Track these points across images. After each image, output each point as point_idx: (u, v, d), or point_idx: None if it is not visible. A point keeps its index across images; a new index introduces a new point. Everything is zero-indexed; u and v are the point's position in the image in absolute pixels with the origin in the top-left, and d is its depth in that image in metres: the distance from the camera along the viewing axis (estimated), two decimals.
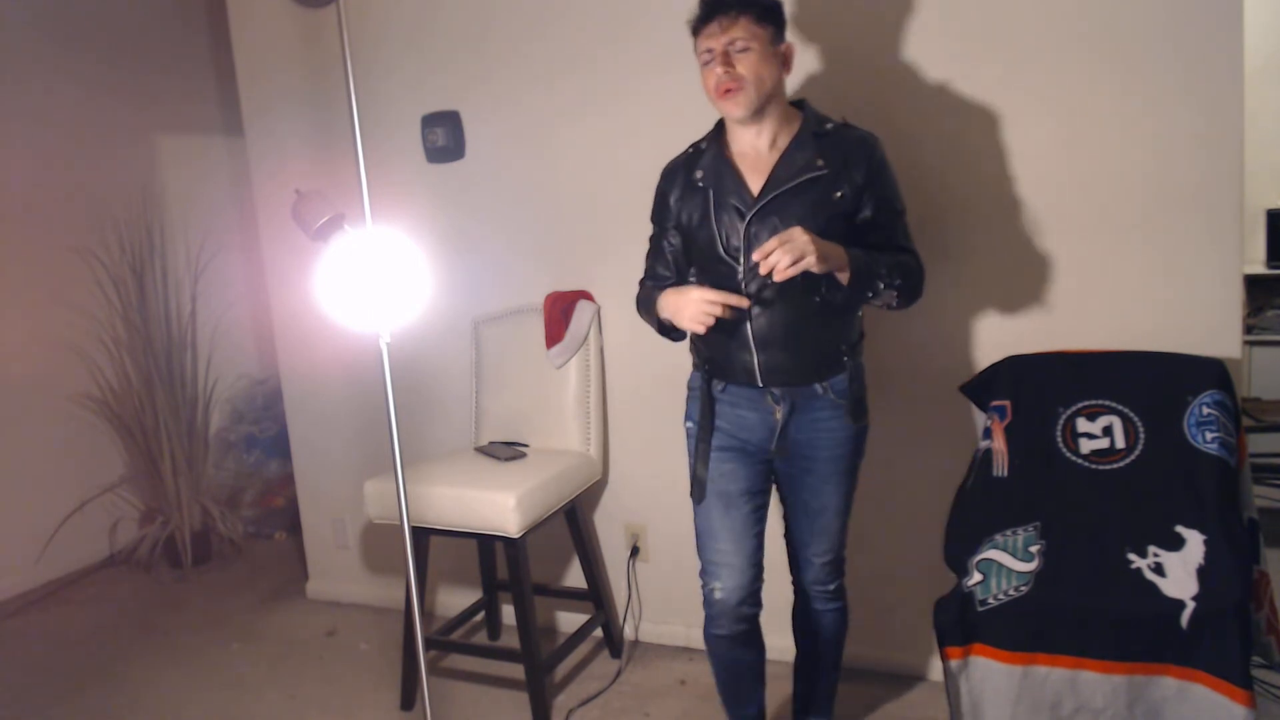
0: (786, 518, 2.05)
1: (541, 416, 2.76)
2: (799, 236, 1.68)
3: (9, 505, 3.58)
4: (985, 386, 2.16)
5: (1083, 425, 2.02)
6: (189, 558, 3.74)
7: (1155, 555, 1.80)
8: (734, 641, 2.00)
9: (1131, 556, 1.81)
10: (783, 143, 1.86)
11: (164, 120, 4.13)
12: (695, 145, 1.96)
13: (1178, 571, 1.76)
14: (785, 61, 1.84)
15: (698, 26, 1.82)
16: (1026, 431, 2.05)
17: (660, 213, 1.99)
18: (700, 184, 1.89)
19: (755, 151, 1.87)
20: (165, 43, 4.13)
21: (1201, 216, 2.10)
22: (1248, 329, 3.60)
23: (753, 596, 1.97)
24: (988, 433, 2.09)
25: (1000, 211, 2.29)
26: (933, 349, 2.41)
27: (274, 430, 4.10)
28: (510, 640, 2.84)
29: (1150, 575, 1.78)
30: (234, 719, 2.65)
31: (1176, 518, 1.84)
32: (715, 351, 1.91)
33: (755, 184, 1.84)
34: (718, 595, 1.96)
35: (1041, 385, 2.09)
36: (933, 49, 2.29)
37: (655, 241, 2.02)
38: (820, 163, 1.82)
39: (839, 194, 1.83)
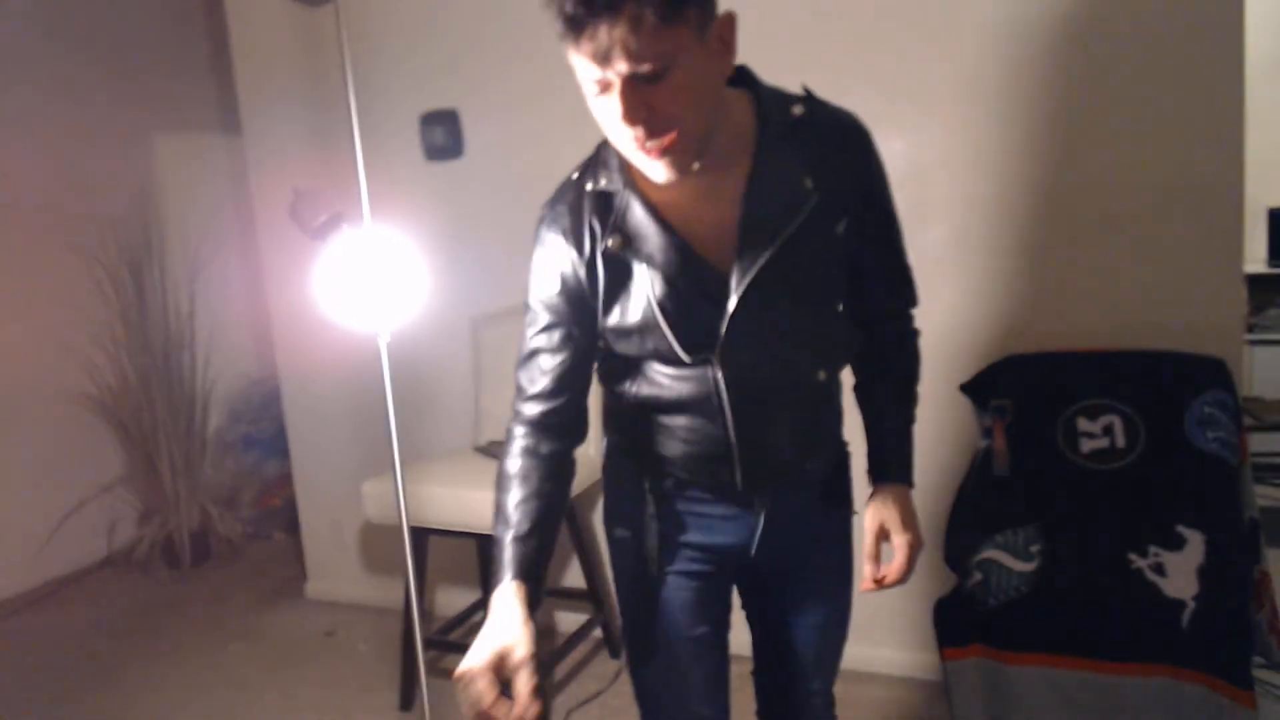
0: (765, 653, 1.49)
1: None
2: (917, 545, 1.31)
3: (7, 505, 3.58)
4: (985, 386, 2.15)
5: (1083, 425, 2.01)
6: (187, 558, 3.73)
7: (1156, 555, 1.80)
8: None
9: (1132, 556, 1.81)
10: (737, 154, 1.16)
11: (162, 119, 4.12)
12: (590, 176, 1.23)
13: (1178, 571, 1.76)
14: (725, 46, 1.08)
15: (572, 32, 1.09)
16: (1027, 431, 2.05)
17: (547, 291, 1.26)
18: (624, 257, 1.18)
19: (696, 183, 1.14)
20: (163, 41, 4.13)
21: (1202, 215, 2.10)
22: (1249, 328, 3.60)
23: None
24: (988, 433, 2.09)
25: (1000, 211, 2.28)
26: (932, 349, 2.40)
27: (272, 430, 4.09)
28: None
29: (1151, 575, 1.77)
30: (233, 719, 2.64)
31: (1177, 517, 1.84)
32: (666, 457, 1.30)
33: (717, 238, 1.17)
34: None
35: (1041, 385, 2.08)
36: (933, 48, 2.28)
37: (542, 329, 1.29)
38: (808, 183, 1.16)
39: (840, 225, 1.21)
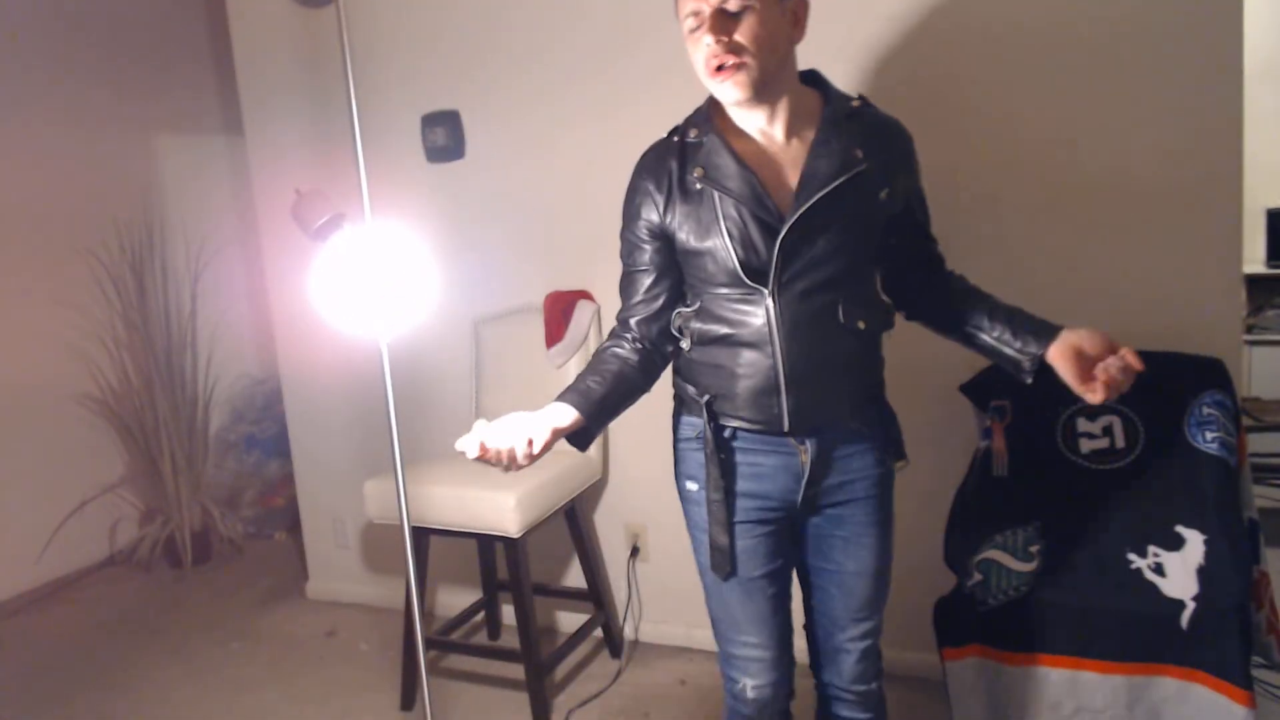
0: (809, 598, 1.66)
1: None
2: (1135, 360, 1.40)
3: (9, 505, 3.58)
4: (985, 386, 2.16)
5: (1083, 425, 2.02)
6: (189, 558, 3.73)
7: (1155, 555, 1.80)
8: None
9: (1131, 556, 1.81)
10: (803, 130, 1.47)
11: (164, 120, 4.12)
12: (680, 133, 1.52)
13: (1178, 571, 1.76)
14: (796, 21, 1.44)
15: None
16: (1026, 431, 2.05)
17: (633, 221, 1.54)
18: (699, 185, 1.46)
19: (770, 143, 1.47)
20: (165, 42, 4.13)
21: (1201, 216, 2.10)
22: (1248, 328, 3.60)
23: (787, 689, 1.64)
24: (988, 433, 2.09)
25: (1000, 211, 2.28)
26: (932, 348, 2.40)
27: (274, 430, 4.10)
28: (510, 640, 2.84)
29: (1150, 575, 1.78)
30: (234, 719, 2.65)
31: (1176, 518, 1.84)
32: (724, 390, 1.50)
33: (779, 185, 1.45)
34: (750, 694, 1.60)
35: (1041, 385, 2.08)
36: (933, 49, 2.28)
37: (629, 260, 1.58)
38: (859, 154, 1.45)
39: (884, 193, 1.48)
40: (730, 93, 1.42)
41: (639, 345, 1.57)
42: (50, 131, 3.71)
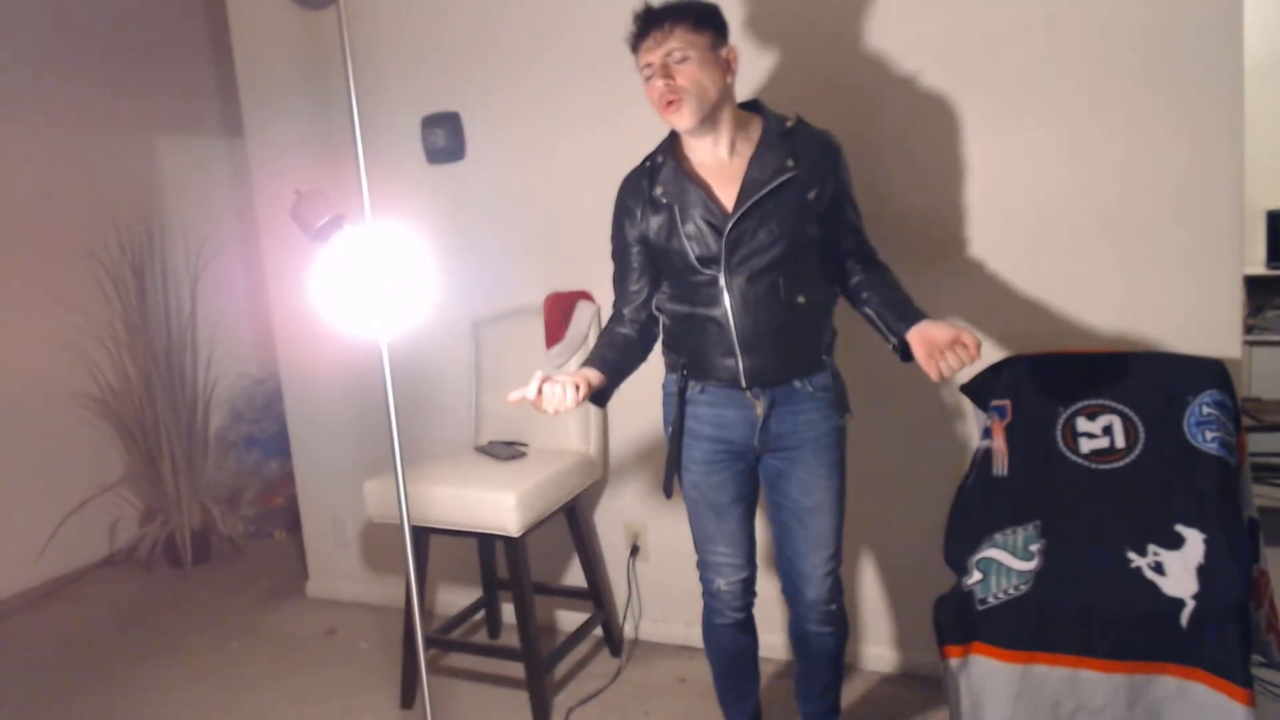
0: (776, 533, 2.01)
1: (541, 416, 2.75)
2: (973, 343, 1.69)
3: (9, 505, 3.58)
4: (985, 386, 2.16)
5: (1083, 425, 2.02)
6: (189, 557, 3.74)
7: (1155, 554, 1.80)
8: (735, 629, 2.06)
9: (1131, 555, 1.81)
10: (743, 148, 1.84)
11: (164, 121, 4.13)
12: (650, 158, 1.93)
13: (1178, 570, 1.76)
14: (729, 66, 1.81)
15: (635, 43, 1.81)
16: (1026, 431, 2.05)
17: (621, 232, 1.96)
18: (663, 200, 1.86)
19: (715, 160, 1.85)
20: (165, 43, 4.13)
21: (1201, 217, 2.10)
22: (1248, 329, 3.60)
23: (751, 587, 2.06)
24: (988, 432, 2.09)
25: (1000, 211, 2.29)
26: None
27: (274, 429, 4.10)
28: (510, 639, 2.84)
29: (1150, 574, 1.78)
30: (234, 718, 2.65)
31: (1176, 517, 1.84)
32: (695, 355, 1.90)
33: (724, 193, 1.82)
34: (723, 588, 2.02)
35: (1041, 385, 2.09)
36: (932, 51, 2.29)
37: (620, 262, 1.99)
38: (790, 163, 1.81)
39: (812, 194, 1.83)
40: (678, 122, 1.80)
41: (634, 325, 1.99)
42: (51, 132, 3.71)
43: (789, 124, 1.86)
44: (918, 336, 1.78)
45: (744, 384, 1.87)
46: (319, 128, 3.06)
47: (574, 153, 2.73)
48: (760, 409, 1.89)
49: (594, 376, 1.88)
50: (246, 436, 4.17)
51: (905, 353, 1.82)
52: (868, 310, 1.92)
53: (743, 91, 2.48)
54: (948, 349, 1.71)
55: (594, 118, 2.68)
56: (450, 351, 2.96)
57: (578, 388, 1.81)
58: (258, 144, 3.23)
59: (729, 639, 2.08)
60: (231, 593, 3.53)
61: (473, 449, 2.79)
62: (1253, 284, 3.61)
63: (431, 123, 2.86)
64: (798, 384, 1.88)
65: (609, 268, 2.88)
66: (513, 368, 2.80)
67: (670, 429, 1.98)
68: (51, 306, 3.70)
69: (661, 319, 1.97)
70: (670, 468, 1.98)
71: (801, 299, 1.84)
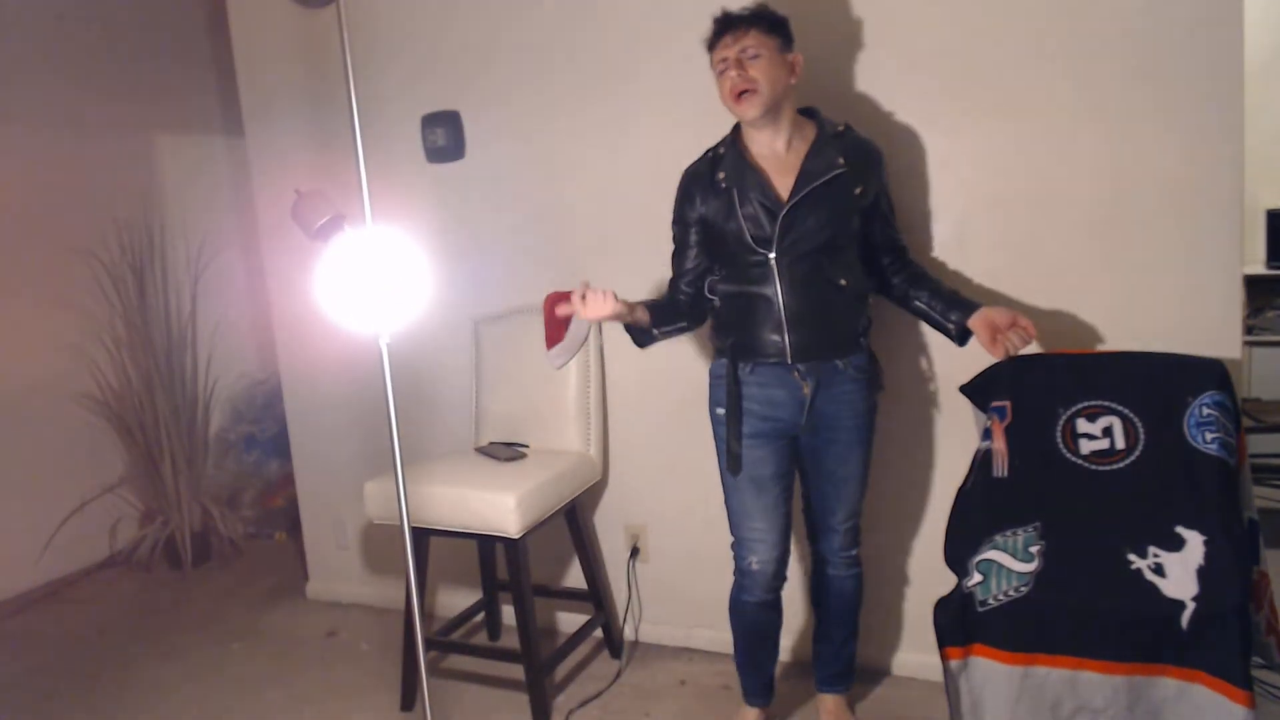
0: (809, 492, 2.21)
1: (541, 417, 2.76)
2: (1029, 325, 1.98)
3: (9, 505, 3.58)
4: (985, 387, 2.15)
5: (1083, 426, 2.02)
6: (189, 558, 3.74)
7: (1155, 556, 1.80)
8: (762, 607, 2.19)
9: (1131, 557, 1.81)
10: (799, 145, 2.03)
11: (164, 120, 4.12)
12: (713, 151, 2.10)
13: (1178, 572, 1.76)
14: (793, 70, 2.01)
15: (713, 41, 1.99)
16: (1026, 432, 2.05)
17: (682, 213, 2.12)
18: (724, 184, 2.03)
19: (774, 153, 2.04)
20: (165, 43, 4.13)
21: (1201, 216, 2.10)
22: (1248, 329, 3.60)
23: (784, 568, 2.17)
24: (988, 433, 2.09)
25: (1000, 211, 2.28)
26: (933, 349, 2.41)
27: (274, 430, 4.10)
28: (510, 640, 2.84)
29: (1150, 576, 1.78)
30: (234, 718, 2.65)
31: (1176, 518, 1.84)
32: (745, 335, 2.06)
33: (780, 182, 2.01)
34: (755, 567, 2.14)
35: (1041, 386, 2.09)
36: (933, 50, 2.29)
37: (679, 240, 2.15)
38: (841, 161, 2.01)
39: (858, 190, 2.03)
40: (746, 111, 1.97)
41: (685, 295, 2.16)
42: (51, 132, 3.71)
43: (839, 129, 2.07)
44: (980, 321, 2.03)
45: (789, 358, 2.02)
46: (319, 127, 3.06)
47: (574, 151, 2.73)
48: (807, 389, 2.05)
49: (639, 309, 2.06)
50: (246, 437, 4.17)
51: (963, 337, 2.07)
52: (919, 304, 2.13)
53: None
54: (1009, 329, 1.99)
55: (594, 117, 2.68)
56: (450, 351, 2.96)
57: (615, 295, 1.95)
58: (258, 144, 3.23)
59: (754, 613, 2.20)
60: (232, 594, 3.53)
61: (473, 450, 2.79)
62: (1253, 284, 3.61)
63: (431, 122, 2.86)
64: (839, 364, 2.06)
65: (610, 267, 2.88)
66: (513, 368, 2.81)
67: (722, 409, 2.10)
68: (51, 306, 3.70)
69: (714, 300, 2.13)
70: (731, 443, 2.09)
71: (843, 281, 2.03)
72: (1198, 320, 2.13)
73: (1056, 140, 2.20)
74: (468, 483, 2.48)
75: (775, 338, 2.03)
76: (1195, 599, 1.71)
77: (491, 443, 2.79)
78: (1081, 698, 1.77)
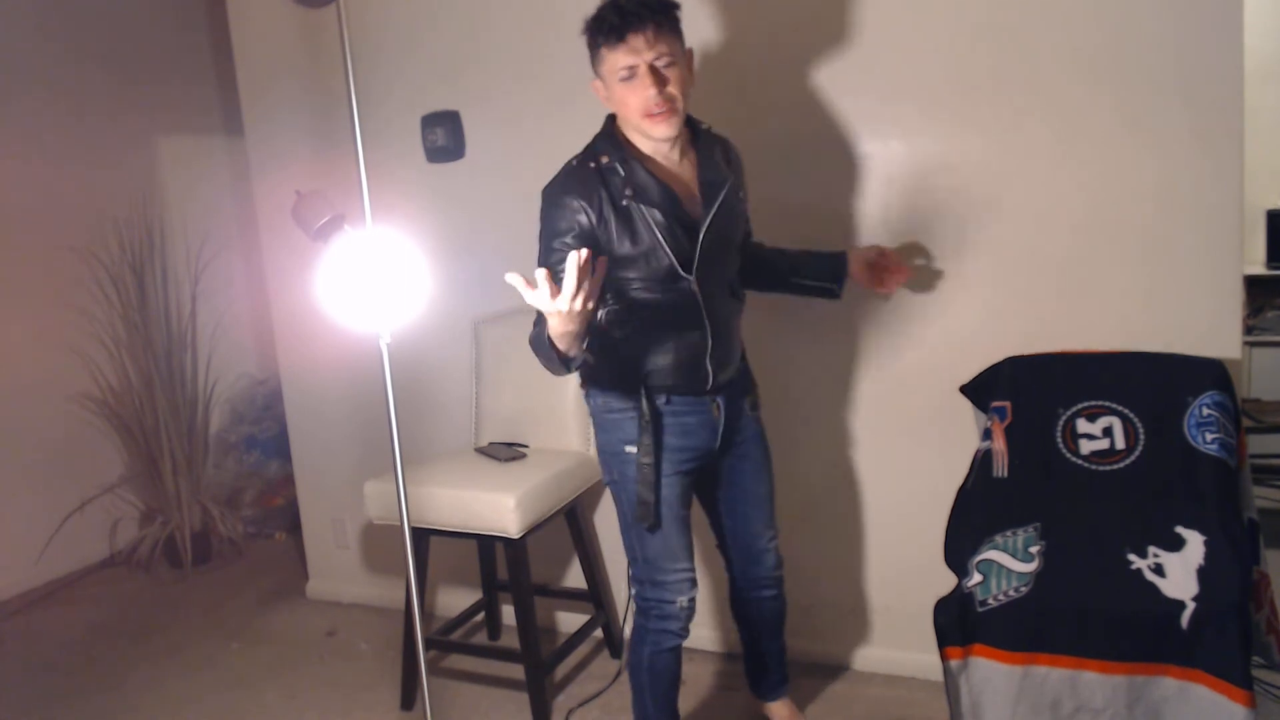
0: (725, 518, 2.09)
1: (541, 417, 2.76)
2: (892, 252, 1.99)
3: (9, 505, 3.58)
4: (985, 387, 2.16)
5: (1083, 426, 2.02)
6: (189, 558, 3.73)
7: (1155, 556, 1.80)
8: (679, 649, 2.01)
9: (1131, 557, 1.81)
10: (686, 150, 1.83)
11: (164, 121, 4.12)
12: (594, 158, 1.78)
13: (1178, 572, 1.76)
14: (691, 70, 1.78)
15: (614, 38, 1.66)
16: (1026, 432, 2.05)
17: (565, 235, 1.74)
18: (633, 203, 1.74)
19: (671, 162, 1.82)
20: (165, 43, 4.13)
21: (1201, 217, 2.10)
22: (1248, 330, 3.60)
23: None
24: (988, 433, 2.09)
25: (1000, 212, 2.28)
26: (933, 350, 2.41)
27: (274, 430, 4.10)
28: (510, 640, 2.84)
29: (1150, 576, 1.78)
30: (234, 719, 2.65)
31: (1176, 518, 1.84)
32: (668, 366, 1.83)
33: (687, 195, 1.80)
34: (683, 606, 1.96)
35: (1041, 386, 2.09)
36: (933, 50, 2.29)
37: (555, 261, 1.73)
38: (725, 166, 1.86)
39: (743, 193, 1.92)
40: (663, 132, 1.72)
41: None
42: (50, 132, 3.71)
43: (703, 127, 1.87)
44: (858, 266, 2.02)
45: (709, 386, 1.86)
46: (319, 127, 3.06)
47: (574, 150, 2.72)
48: (719, 411, 1.92)
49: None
50: (246, 437, 4.17)
51: (837, 285, 2.04)
52: (800, 283, 2.07)
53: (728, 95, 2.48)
54: (880, 269, 2.02)
55: (595, 117, 2.68)
56: (450, 351, 2.96)
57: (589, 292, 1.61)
58: (258, 143, 3.23)
59: (674, 662, 2.02)
60: (232, 594, 3.53)
61: (473, 450, 2.79)
62: (1253, 284, 3.61)
63: (431, 122, 2.86)
64: (735, 377, 1.97)
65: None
66: (513, 368, 2.80)
67: (633, 447, 1.85)
68: (53, 307, 3.70)
69: (613, 331, 1.82)
70: (655, 494, 1.85)
71: (739, 295, 1.95)
72: (1198, 320, 2.13)
73: (1056, 141, 2.20)
74: (468, 483, 2.48)
75: (698, 365, 1.83)
76: (1195, 599, 1.71)
77: (491, 443, 2.79)
78: (1081, 697, 1.77)
